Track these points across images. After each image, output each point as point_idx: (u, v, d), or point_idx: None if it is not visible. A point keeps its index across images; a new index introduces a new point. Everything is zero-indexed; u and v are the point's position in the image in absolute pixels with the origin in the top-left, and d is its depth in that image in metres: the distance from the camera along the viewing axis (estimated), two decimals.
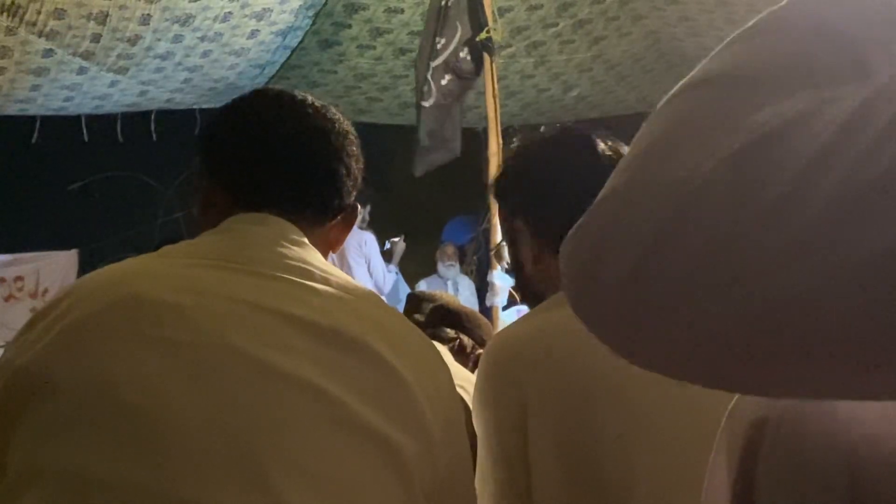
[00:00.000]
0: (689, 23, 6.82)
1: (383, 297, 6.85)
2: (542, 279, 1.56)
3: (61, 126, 6.83)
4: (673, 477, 1.29)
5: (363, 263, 6.36)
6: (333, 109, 1.42)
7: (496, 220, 5.25)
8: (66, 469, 1.06)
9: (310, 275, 1.23)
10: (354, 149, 1.40)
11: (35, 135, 6.78)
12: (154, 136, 7.15)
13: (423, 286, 7.48)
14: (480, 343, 2.87)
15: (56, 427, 1.09)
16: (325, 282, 1.23)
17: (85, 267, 7.09)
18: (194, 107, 7.29)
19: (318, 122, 1.38)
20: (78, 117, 6.92)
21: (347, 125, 1.42)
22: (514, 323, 1.55)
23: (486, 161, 5.11)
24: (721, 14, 6.58)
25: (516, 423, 1.36)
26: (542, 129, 2.02)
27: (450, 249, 7.85)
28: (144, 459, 1.06)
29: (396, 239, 6.77)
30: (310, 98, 1.42)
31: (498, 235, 5.31)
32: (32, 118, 6.77)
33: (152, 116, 7.16)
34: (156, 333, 1.12)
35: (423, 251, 8.19)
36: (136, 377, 1.09)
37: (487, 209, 6.87)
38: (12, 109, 6.58)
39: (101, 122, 7.03)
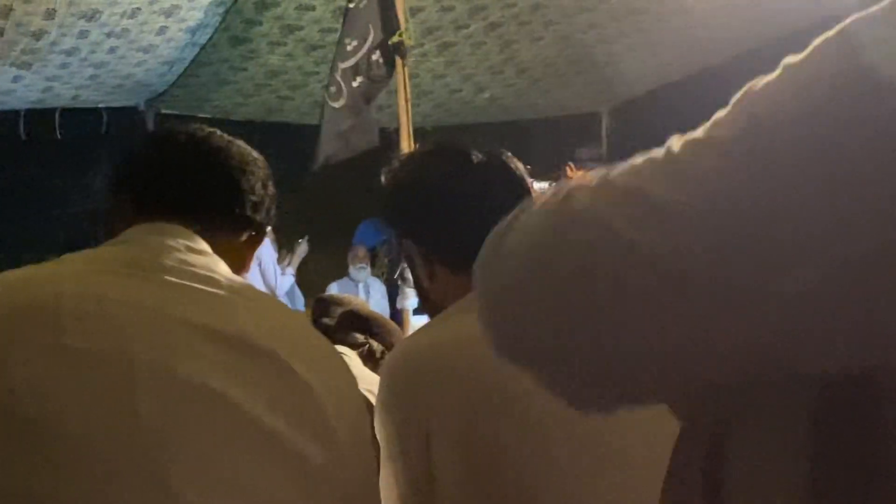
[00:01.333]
0: (598, 30, 6.92)
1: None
2: (440, 294, 1.56)
3: None
4: (579, 494, 1.30)
5: (255, 264, 6.30)
6: (240, 143, 1.47)
7: None
8: None
9: (215, 282, 1.23)
10: (261, 173, 1.44)
11: None
12: (59, 133, 7.00)
13: (334, 289, 7.44)
14: (389, 348, 2.87)
15: None
16: (231, 290, 1.23)
17: None
18: (100, 105, 7.16)
19: (220, 144, 1.43)
20: None
21: (255, 154, 1.46)
22: (414, 334, 1.54)
23: None
24: (630, 23, 6.69)
25: (419, 435, 1.36)
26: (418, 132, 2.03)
27: (361, 252, 7.82)
28: (43, 470, 1.04)
29: (301, 241, 6.71)
30: (217, 132, 1.48)
31: None
32: None
33: (56, 114, 7.01)
34: (56, 342, 1.10)
35: (335, 253, 8.15)
36: (34, 386, 1.08)
37: None
38: None
39: (4, 119, 6.86)
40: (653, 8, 6.39)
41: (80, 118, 7.09)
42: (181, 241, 1.28)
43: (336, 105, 5.34)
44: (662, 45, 7.05)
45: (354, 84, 5.33)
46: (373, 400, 2.49)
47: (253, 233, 1.44)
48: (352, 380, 1.28)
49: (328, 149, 5.58)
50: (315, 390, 1.16)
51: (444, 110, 8.12)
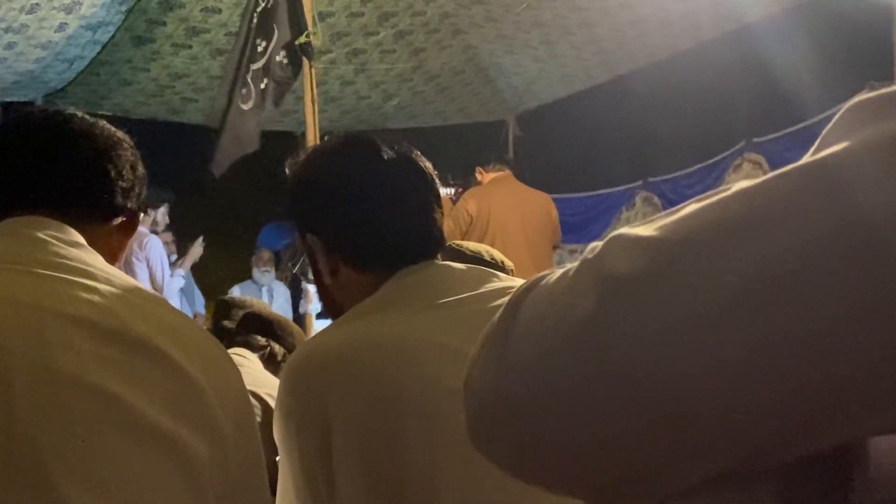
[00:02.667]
0: (506, 41, 6.98)
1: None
2: (341, 291, 1.54)
3: None
4: (479, 499, 1.30)
5: (143, 264, 6.19)
6: (104, 123, 1.41)
7: None
8: None
9: (91, 275, 1.19)
10: (128, 155, 1.40)
11: None
12: None
13: (236, 291, 7.35)
14: (291, 351, 2.84)
15: None
16: (108, 282, 1.20)
17: None
18: None
19: (83, 126, 1.38)
20: None
21: (120, 135, 1.42)
22: (315, 336, 1.51)
23: None
24: (536, 34, 6.76)
25: (320, 439, 1.33)
26: (325, 137, 2.00)
27: (265, 255, 7.76)
28: None
29: (195, 242, 6.62)
30: (80, 113, 1.41)
31: None
32: None
33: None
34: None
35: (238, 256, 8.06)
36: None
37: None
38: None
39: None
40: (558, 21, 6.47)
41: None
42: (51, 232, 1.25)
43: (246, 107, 5.27)
44: (568, 56, 7.14)
45: (262, 86, 5.27)
46: (272, 403, 2.47)
47: (124, 219, 1.40)
48: (238, 375, 1.26)
49: (234, 152, 5.51)
50: (198, 383, 1.15)
51: (353, 116, 8.10)
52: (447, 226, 5.56)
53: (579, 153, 7.96)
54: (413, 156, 1.56)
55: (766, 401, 0.53)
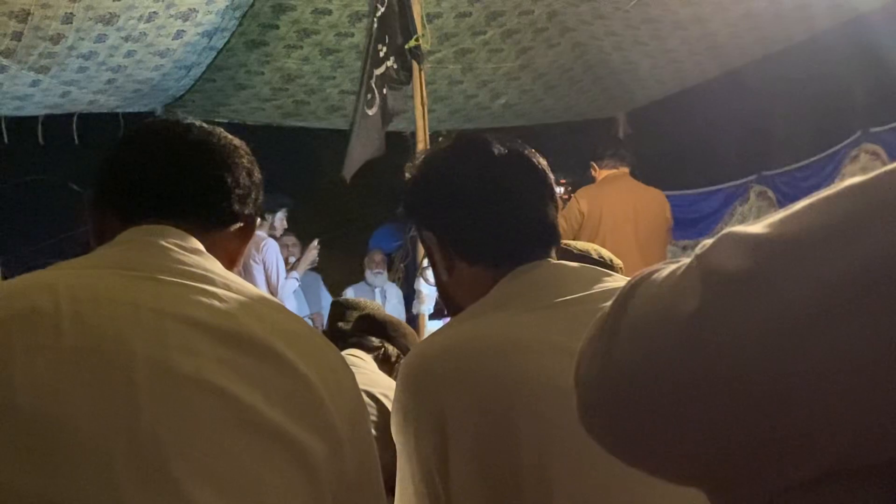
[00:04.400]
0: (615, 37, 6.91)
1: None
2: (458, 288, 1.56)
3: None
4: (592, 498, 1.30)
5: (260, 267, 6.30)
6: (221, 131, 1.46)
7: None
8: None
9: (210, 280, 1.24)
10: (245, 162, 1.44)
11: None
12: (76, 139, 7.02)
13: (350, 293, 7.45)
14: (405, 352, 2.87)
15: None
16: (226, 287, 1.24)
17: (7, 276, 6.93)
18: (118, 110, 7.19)
19: (201, 136, 1.43)
20: None
21: (237, 142, 1.47)
22: (431, 335, 1.54)
23: None
24: (646, 31, 6.68)
25: (435, 437, 1.35)
26: (440, 138, 2.03)
27: (377, 256, 7.83)
28: (45, 467, 1.04)
29: (311, 245, 6.70)
30: (198, 123, 1.47)
31: None
32: None
33: (74, 119, 7.03)
34: (54, 343, 1.11)
35: (351, 258, 8.16)
36: (34, 386, 1.08)
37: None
38: None
39: (22, 125, 6.89)
40: (668, 16, 6.38)
41: (97, 123, 7.11)
42: (173, 240, 1.30)
43: (371, 112, 5.33)
44: (679, 51, 7.04)
45: (384, 91, 5.33)
46: (388, 404, 2.50)
47: (242, 224, 1.44)
48: (350, 375, 1.29)
49: (362, 156, 5.57)
50: (313, 384, 1.17)
51: (461, 116, 8.12)
52: (559, 226, 5.55)
53: (691, 149, 7.84)
54: (526, 152, 1.57)
55: (864, 398, 0.53)
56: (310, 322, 6.65)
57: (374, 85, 5.35)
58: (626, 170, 5.68)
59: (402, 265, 8.54)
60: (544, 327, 1.39)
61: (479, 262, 1.52)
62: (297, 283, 6.39)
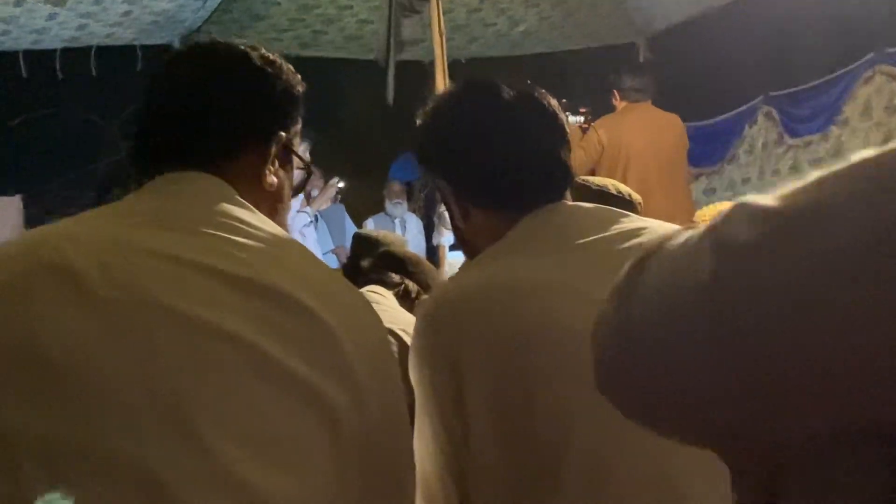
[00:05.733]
0: None
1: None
2: (474, 234, 1.57)
3: None
4: (609, 441, 1.31)
5: None
6: (246, 51, 1.40)
7: None
8: None
9: (234, 229, 1.23)
10: (282, 82, 1.39)
11: None
12: (94, 72, 7.01)
13: (370, 224, 7.45)
14: (425, 288, 2.88)
15: None
16: (250, 235, 1.23)
17: (30, 210, 6.98)
18: (135, 42, 7.16)
19: (230, 60, 1.38)
20: (15, 53, 6.77)
21: (271, 57, 1.40)
22: (447, 280, 1.55)
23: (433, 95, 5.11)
24: None
25: (453, 379, 1.37)
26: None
27: (396, 187, 7.81)
28: (70, 414, 1.06)
29: (333, 181, 6.64)
30: (222, 44, 1.42)
31: None
32: None
33: (92, 52, 7.01)
34: (79, 293, 1.12)
35: (372, 189, 8.15)
36: (59, 335, 1.10)
37: None
38: None
39: (40, 58, 6.88)
40: None
41: (115, 56, 7.09)
42: (203, 186, 1.29)
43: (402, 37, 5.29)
44: None
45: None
46: (408, 340, 2.52)
47: (264, 145, 1.39)
48: (377, 323, 1.29)
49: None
50: (333, 331, 1.16)
51: (480, 44, 8.04)
52: (578, 156, 5.56)
53: (710, 74, 7.75)
54: (536, 94, 1.56)
55: (865, 363, 0.55)
56: (334, 257, 6.69)
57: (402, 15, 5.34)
58: (647, 100, 5.61)
59: (421, 195, 8.53)
60: (562, 270, 1.40)
61: (492, 207, 1.53)
62: (308, 219, 6.36)
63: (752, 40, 7.21)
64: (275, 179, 1.39)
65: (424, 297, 2.92)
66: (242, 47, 1.40)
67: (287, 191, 1.43)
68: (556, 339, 1.33)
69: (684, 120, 6.36)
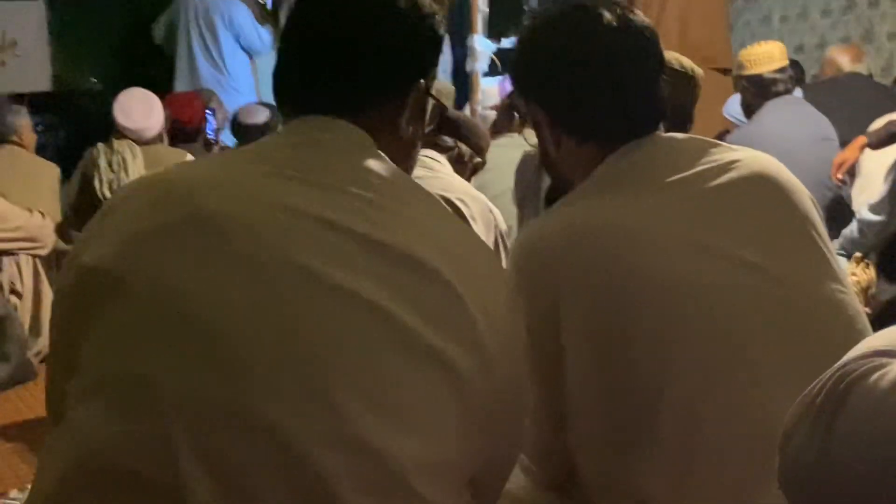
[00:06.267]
0: None
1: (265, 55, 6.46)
2: (565, 163, 1.57)
3: None
4: (702, 394, 1.37)
5: (231, 40, 6.23)
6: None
7: None
8: (133, 378, 1.11)
9: (374, 186, 1.23)
10: (428, 23, 1.33)
11: None
12: None
13: None
14: (478, 151, 2.90)
15: (125, 334, 1.14)
16: (388, 194, 1.23)
17: (55, 14, 6.85)
18: None
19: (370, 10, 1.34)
20: None
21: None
22: (544, 215, 1.54)
23: None
24: None
25: (548, 311, 1.41)
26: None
27: None
28: (213, 371, 1.10)
29: None
30: None
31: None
32: None
33: None
34: (224, 249, 1.14)
35: None
36: (204, 290, 1.12)
37: None
38: None
39: None
40: None
41: None
42: (345, 137, 1.28)
43: None
44: None
45: None
46: (463, 209, 2.56)
47: (404, 93, 1.34)
48: (502, 286, 1.29)
49: None
50: (464, 299, 1.17)
51: None
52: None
53: None
54: (638, 24, 1.54)
55: None
56: None
57: None
58: None
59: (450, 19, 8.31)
60: (657, 213, 1.42)
61: (586, 138, 1.52)
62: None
63: None
64: (411, 128, 1.36)
65: (478, 160, 2.95)
66: None
67: (420, 135, 1.40)
68: (653, 286, 1.37)
69: None
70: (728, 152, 1.51)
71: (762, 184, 1.48)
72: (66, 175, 4.04)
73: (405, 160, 1.38)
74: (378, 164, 1.27)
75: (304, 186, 1.21)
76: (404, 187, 1.28)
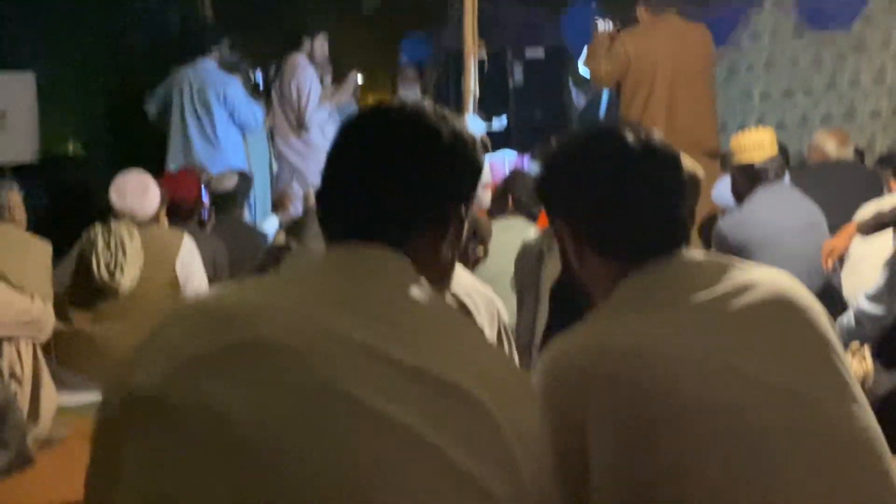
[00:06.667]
0: None
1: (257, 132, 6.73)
2: (589, 277, 1.62)
3: None
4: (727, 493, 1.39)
5: (225, 117, 6.30)
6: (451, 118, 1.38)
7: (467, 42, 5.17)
8: (177, 500, 1.13)
9: (417, 315, 1.26)
10: (466, 159, 1.38)
11: None
12: None
13: None
14: (482, 243, 2.93)
15: (170, 458, 1.15)
16: (430, 323, 1.26)
17: (42, 90, 6.89)
18: None
19: (389, 135, 1.38)
20: None
21: (465, 132, 1.38)
22: (573, 332, 1.57)
23: None
24: None
25: (575, 431, 1.42)
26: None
27: (410, 73, 7.74)
28: (257, 497, 1.11)
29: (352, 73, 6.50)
30: (404, 113, 1.40)
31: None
32: None
33: None
34: (272, 377, 1.16)
35: (375, 71, 8.03)
36: (251, 417, 1.14)
37: (445, 23, 6.75)
38: None
39: None
40: None
41: None
42: (386, 264, 1.31)
43: None
44: None
45: None
46: (468, 302, 2.58)
47: (443, 219, 1.38)
48: (535, 409, 1.32)
49: None
50: (502, 426, 1.19)
51: None
52: (604, 68, 5.52)
53: None
54: (661, 145, 1.59)
55: None
56: None
57: None
58: (673, 11, 5.53)
59: (433, 75, 8.44)
60: (682, 333, 1.45)
61: (609, 254, 1.57)
62: (327, 113, 6.31)
63: None
64: (451, 252, 1.41)
65: (480, 252, 2.98)
66: (432, 117, 1.38)
67: (457, 255, 1.44)
68: (679, 407, 1.40)
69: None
70: (746, 272, 1.56)
71: (782, 304, 1.52)
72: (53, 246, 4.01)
73: (442, 280, 1.43)
74: (419, 292, 1.30)
75: (349, 314, 1.24)
76: (444, 315, 1.32)
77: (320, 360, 1.18)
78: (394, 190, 1.35)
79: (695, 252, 1.61)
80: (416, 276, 1.32)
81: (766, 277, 1.55)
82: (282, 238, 4.57)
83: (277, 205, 6.19)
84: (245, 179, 5.43)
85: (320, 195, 1.40)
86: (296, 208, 6.11)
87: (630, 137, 1.58)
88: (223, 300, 1.30)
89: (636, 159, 1.57)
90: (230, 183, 5.08)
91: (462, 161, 1.38)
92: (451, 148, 1.37)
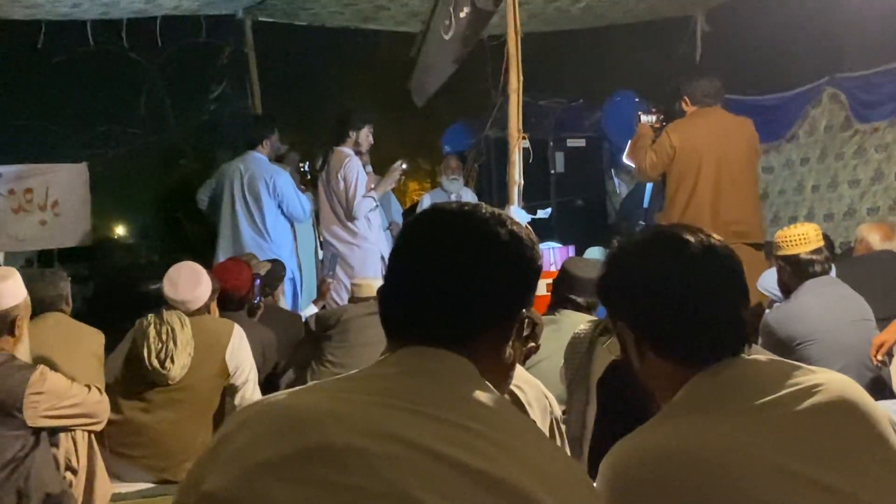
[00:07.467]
0: None
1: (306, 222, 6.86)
2: (650, 378, 1.64)
3: (67, 32, 6.72)
4: None
5: (274, 207, 6.39)
6: (482, 213, 1.43)
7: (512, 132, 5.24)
8: None
9: (481, 418, 1.28)
10: (524, 263, 1.42)
11: (41, 39, 6.71)
12: (160, 42, 7.05)
13: (427, 200, 7.48)
14: (534, 338, 2.94)
15: None
16: (494, 426, 1.28)
17: (95, 178, 7.07)
18: (199, 13, 7.19)
19: (451, 239, 1.41)
20: (84, 23, 6.82)
21: (517, 235, 1.41)
22: (638, 435, 1.58)
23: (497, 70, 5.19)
24: None
25: None
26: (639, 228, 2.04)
27: (453, 162, 7.79)
28: None
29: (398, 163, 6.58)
30: (470, 217, 1.43)
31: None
32: (38, 22, 6.68)
33: (158, 23, 7.05)
34: (341, 480, 1.19)
35: (424, 163, 8.17)
36: None
37: (489, 116, 6.86)
38: (19, 14, 6.48)
39: (108, 29, 6.92)
40: None
41: (180, 27, 7.13)
42: (451, 369, 1.34)
43: (447, 37, 5.28)
44: None
45: (462, 14, 5.28)
46: (520, 395, 2.59)
47: (504, 322, 1.41)
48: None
49: (434, 82, 5.53)
50: None
51: (540, 20, 8.01)
52: (650, 159, 5.56)
53: (768, 49, 7.68)
54: (720, 249, 1.61)
55: None
56: (389, 234, 6.75)
57: (451, 10, 5.30)
58: (717, 104, 5.57)
59: (475, 165, 8.53)
60: (745, 436, 1.46)
61: (670, 357, 1.58)
62: (373, 203, 6.39)
63: (811, 18, 7.10)
64: (513, 352, 1.43)
65: (532, 345, 2.99)
66: (490, 219, 1.42)
67: (517, 354, 1.46)
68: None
69: (741, 93, 6.24)
70: (810, 375, 1.56)
71: (845, 408, 1.53)
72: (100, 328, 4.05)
73: (504, 380, 1.45)
74: (483, 394, 1.32)
75: (415, 417, 1.26)
76: (507, 417, 1.34)
77: (387, 464, 1.20)
78: (453, 295, 1.37)
79: (758, 354, 1.62)
80: (479, 379, 1.34)
81: (831, 380, 1.56)
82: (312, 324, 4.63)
83: (319, 293, 6.25)
84: (277, 266, 5.51)
85: (383, 294, 1.44)
86: (339, 296, 6.16)
87: (690, 239, 1.60)
88: (292, 404, 1.32)
89: (697, 261, 1.59)
90: (262, 270, 5.14)
91: (520, 262, 1.41)
92: (508, 250, 1.40)
